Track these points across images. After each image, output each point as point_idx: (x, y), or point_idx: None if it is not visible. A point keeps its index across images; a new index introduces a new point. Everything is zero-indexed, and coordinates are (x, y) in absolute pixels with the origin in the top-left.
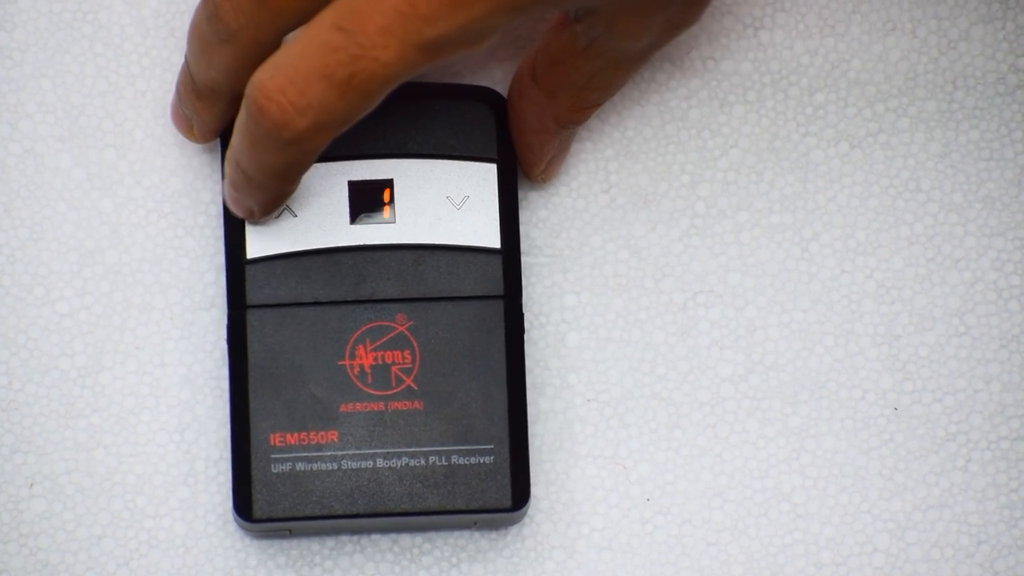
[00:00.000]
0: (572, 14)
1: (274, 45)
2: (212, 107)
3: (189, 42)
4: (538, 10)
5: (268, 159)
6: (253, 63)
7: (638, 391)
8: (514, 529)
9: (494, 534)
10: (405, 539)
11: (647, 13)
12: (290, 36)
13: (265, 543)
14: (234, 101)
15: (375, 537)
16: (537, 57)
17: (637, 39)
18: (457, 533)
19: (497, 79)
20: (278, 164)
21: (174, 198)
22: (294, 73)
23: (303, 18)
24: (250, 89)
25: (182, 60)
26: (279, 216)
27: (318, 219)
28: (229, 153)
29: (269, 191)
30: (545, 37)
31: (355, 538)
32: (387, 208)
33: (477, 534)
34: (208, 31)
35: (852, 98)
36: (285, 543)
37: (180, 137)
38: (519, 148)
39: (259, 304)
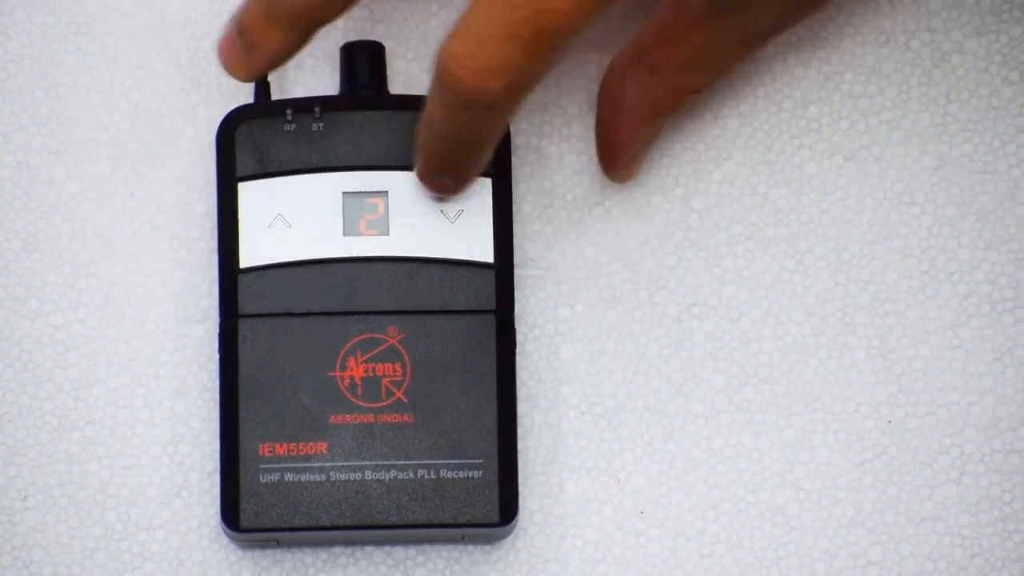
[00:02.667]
0: None
1: None
2: (284, 35)
3: None
4: None
5: (468, 125)
6: None
7: (632, 403)
8: (508, 541)
9: (487, 547)
10: (398, 551)
11: None
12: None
13: (258, 554)
14: (309, 32)
15: (368, 549)
16: (646, 34)
17: (768, 13)
18: (451, 546)
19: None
20: (478, 129)
21: (167, 210)
22: (482, 38)
23: None
24: (442, 59)
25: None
26: (272, 225)
27: (312, 230)
28: (422, 132)
29: (470, 159)
30: (659, 13)
31: (348, 550)
32: (381, 220)
33: (471, 547)
34: None
35: (846, 111)
36: (278, 555)
37: (174, 149)
38: (606, 138)
39: (251, 314)
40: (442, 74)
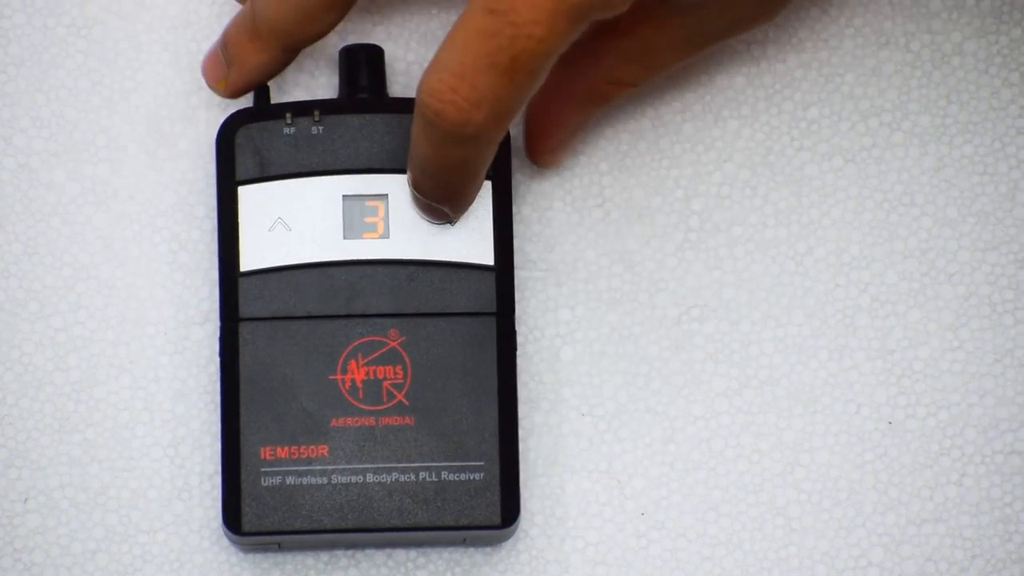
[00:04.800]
0: None
1: None
2: (264, 51)
3: None
4: None
5: (455, 158)
6: (332, 3)
7: (632, 405)
8: (509, 544)
9: (489, 549)
10: (399, 554)
11: None
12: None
13: (259, 557)
14: (289, 50)
15: (369, 552)
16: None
17: (720, 16)
18: (452, 548)
19: None
20: (466, 160)
21: (168, 213)
22: (460, 69)
23: None
24: (422, 96)
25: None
26: (272, 229)
27: (312, 233)
28: (412, 167)
29: (463, 188)
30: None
31: (349, 552)
32: (381, 223)
33: (472, 549)
34: None
35: (846, 112)
36: (279, 557)
37: (174, 151)
38: (534, 120)
39: (252, 317)
40: (423, 110)
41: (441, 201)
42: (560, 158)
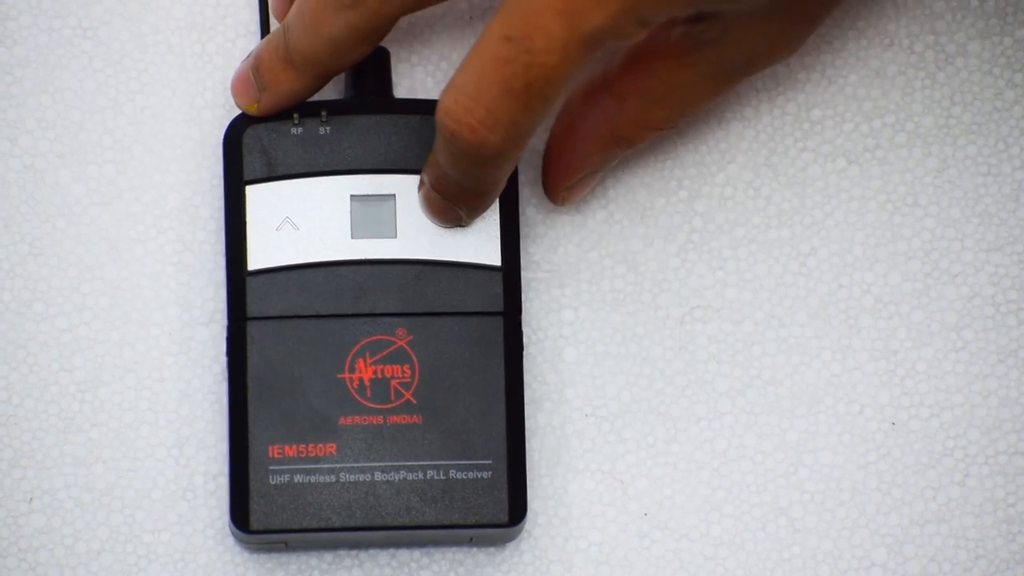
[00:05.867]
0: (694, 13)
1: (391, 21)
2: (298, 79)
3: (300, 7)
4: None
5: (474, 173)
6: (364, 36)
7: (636, 406)
8: (512, 544)
9: (492, 549)
10: (403, 554)
11: (768, 20)
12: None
13: (263, 557)
14: (321, 79)
15: (373, 551)
16: (618, 62)
17: (742, 50)
18: (455, 548)
19: None
20: (485, 175)
21: (173, 214)
22: (476, 92)
23: None
24: (439, 116)
25: (273, 29)
26: (280, 228)
27: (320, 232)
28: (431, 170)
29: (480, 197)
30: (635, 43)
31: (353, 552)
32: (389, 223)
33: (475, 549)
34: None
35: (849, 113)
36: (283, 557)
37: (179, 152)
38: (556, 156)
39: (259, 316)
40: (441, 128)
41: (460, 203)
42: (576, 197)
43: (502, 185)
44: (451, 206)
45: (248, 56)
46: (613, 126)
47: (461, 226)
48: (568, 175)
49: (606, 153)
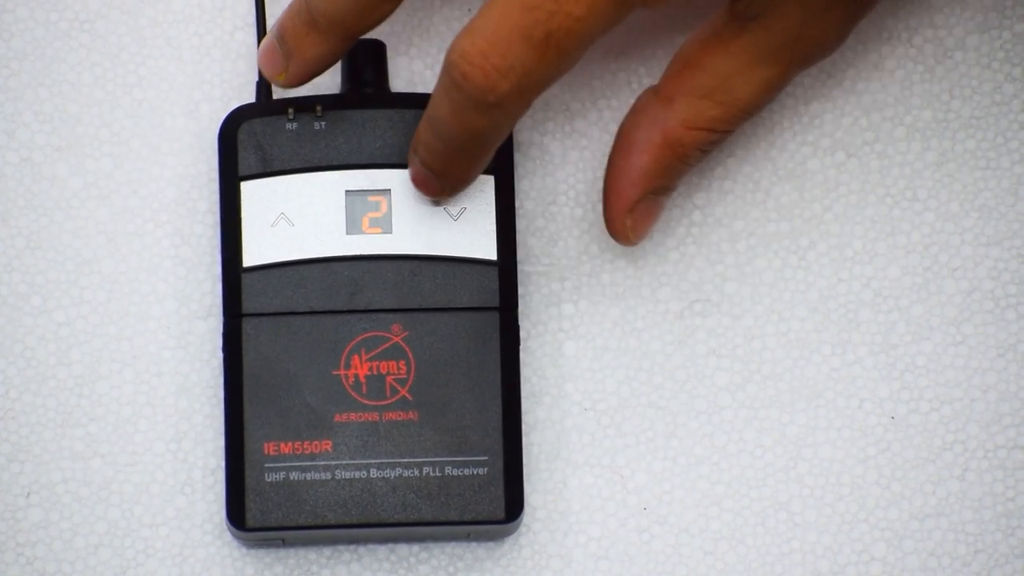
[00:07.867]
0: None
1: None
2: (324, 42)
3: None
4: None
5: (472, 124)
6: None
7: (635, 400)
8: (511, 538)
9: (491, 543)
10: (402, 549)
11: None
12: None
13: (261, 552)
14: (347, 40)
15: (372, 547)
16: (665, 72)
17: (788, 24)
18: (454, 543)
19: None
20: (482, 130)
21: (171, 207)
22: (494, 36)
23: None
24: (452, 56)
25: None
26: (275, 224)
27: (315, 228)
28: (423, 130)
29: (470, 160)
30: (682, 46)
31: (352, 547)
32: (384, 218)
33: (474, 544)
34: None
35: (848, 107)
36: (282, 552)
37: (176, 146)
38: (613, 179)
39: (255, 312)
40: (451, 70)
41: (443, 170)
42: (642, 229)
43: (489, 154)
44: (436, 174)
45: (272, 27)
46: (664, 130)
47: (445, 199)
48: (627, 196)
49: (662, 164)
